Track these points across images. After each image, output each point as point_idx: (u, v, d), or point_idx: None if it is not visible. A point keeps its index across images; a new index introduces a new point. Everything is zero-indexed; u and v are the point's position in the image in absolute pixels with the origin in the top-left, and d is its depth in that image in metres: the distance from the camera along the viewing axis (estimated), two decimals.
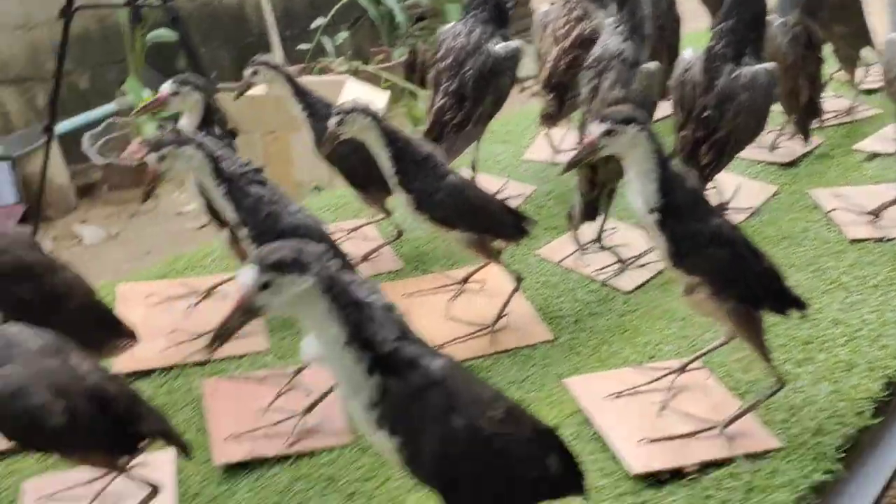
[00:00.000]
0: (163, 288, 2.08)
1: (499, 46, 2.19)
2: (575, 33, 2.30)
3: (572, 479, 1.13)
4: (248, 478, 1.60)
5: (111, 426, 1.36)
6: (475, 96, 2.20)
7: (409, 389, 0.97)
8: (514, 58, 2.22)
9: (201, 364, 1.88)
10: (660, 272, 2.09)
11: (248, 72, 1.90)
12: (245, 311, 0.94)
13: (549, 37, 2.37)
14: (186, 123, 1.80)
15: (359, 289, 0.97)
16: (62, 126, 5.50)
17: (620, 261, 2.10)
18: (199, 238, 4.94)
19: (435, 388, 0.99)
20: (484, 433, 1.01)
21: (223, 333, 0.96)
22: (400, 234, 2.18)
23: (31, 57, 5.46)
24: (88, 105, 5.64)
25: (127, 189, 5.47)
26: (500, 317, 1.91)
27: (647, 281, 2.08)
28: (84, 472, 1.59)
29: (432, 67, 2.24)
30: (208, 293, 2.07)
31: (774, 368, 1.43)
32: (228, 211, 1.52)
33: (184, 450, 1.47)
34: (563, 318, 1.98)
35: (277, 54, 5.57)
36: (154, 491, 1.43)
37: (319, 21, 5.81)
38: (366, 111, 1.66)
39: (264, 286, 0.93)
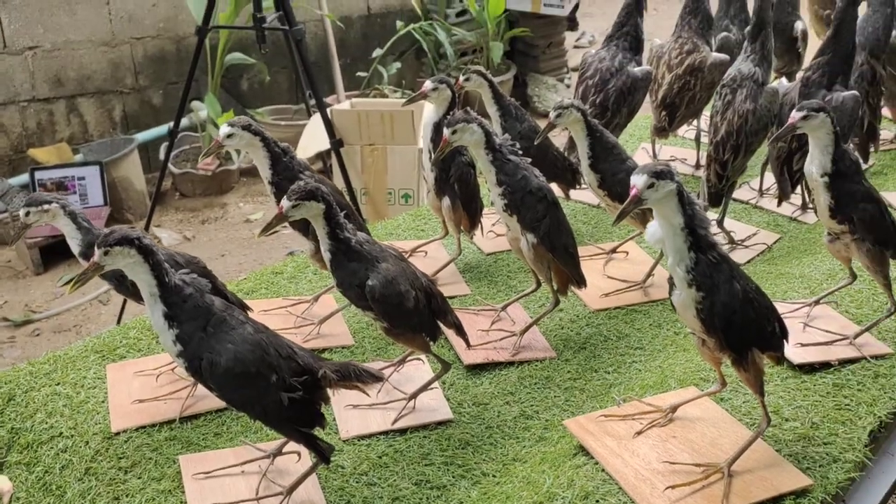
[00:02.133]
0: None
1: (637, 69, 2.80)
2: (686, 63, 2.91)
3: (782, 344, 1.69)
4: (488, 376, 2.12)
5: (431, 316, 1.88)
6: (615, 108, 2.79)
7: (711, 262, 1.52)
8: (647, 79, 2.82)
9: None
10: (762, 252, 2.67)
11: (462, 77, 2.46)
12: (637, 201, 1.48)
13: (663, 65, 2.98)
14: (432, 113, 2.34)
15: (692, 196, 1.52)
16: (140, 137, 5.98)
17: (732, 240, 2.68)
18: (267, 244, 5.43)
19: (725, 263, 1.54)
20: (749, 295, 1.57)
21: (624, 212, 1.50)
22: None
23: (112, 72, 5.91)
24: (160, 120, 6.11)
25: (196, 197, 5.93)
26: (648, 276, 2.48)
27: (754, 258, 2.66)
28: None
29: (581, 83, 2.83)
30: (412, 252, 2.59)
31: (893, 296, 2.01)
32: (491, 174, 2.07)
33: (466, 340, 2.00)
34: None
35: (338, 79, 6.14)
36: (447, 366, 1.95)
37: (378, 52, 6.40)
38: (579, 107, 2.23)
39: (650, 186, 1.48)
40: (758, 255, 2.66)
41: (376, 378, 1.66)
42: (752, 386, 1.62)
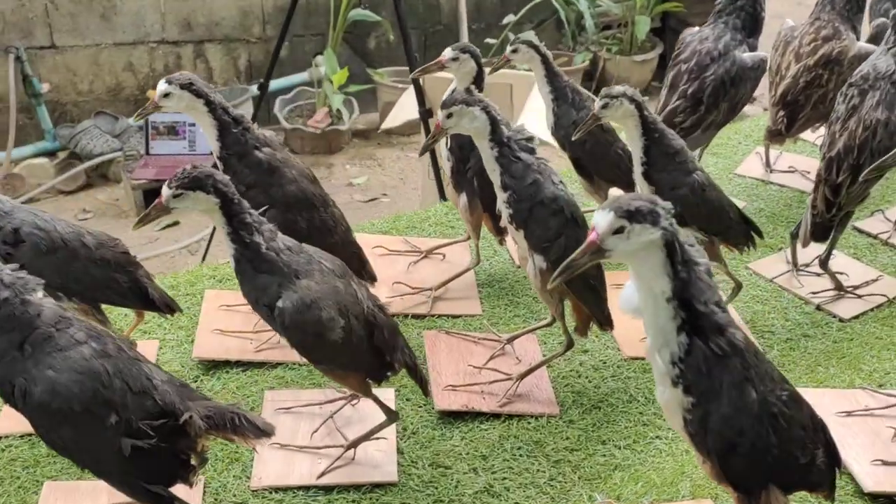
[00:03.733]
0: (387, 242, 2.21)
1: (746, 55, 2.19)
2: (821, 52, 2.26)
3: (829, 477, 1.14)
4: (462, 427, 1.68)
5: (373, 352, 1.47)
6: (711, 102, 2.20)
7: (713, 354, 1.01)
8: (759, 68, 2.21)
9: (421, 317, 1.98)
10: (880, 305, 2.03)
11: (509, 49, 1.99)
12: (595, 252, 1.00)
13: (790, 53, 2.33)
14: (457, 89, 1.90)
15: (692, 249, 1.02)
16: (257, 88, 5.88)
17: (840, 287, 2.05)
18: (368, 209, 5.16)
19: (736, 357, 1.02)
20: (772, 409, 1.04)
21: (569, 268, 1.03)
22: None
23: (241, 20, 5.82)
24: (284, 72, 5.98)
25: (304, 154, 5.77)
26: None
27: (867, 312, 2.02)
28: (316, 393, 1.73)
29: (673, 67, 2.26)
30: (428, 253, 2.17)
31: None
32: (495, 174, 1.61)
33: (424, 387, 1.57)
34: (773, 334, 1.97)
35: (465, 41, 5.73)
36: (394, 417, 1.54)
37: (510, 18, 5.91)
38: (633, 97, 1.70)
39: (618, 230, 0.99)
40: (871, 310, 2.01)
41: (262, 433, 1.28)
42: None
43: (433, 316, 1.98)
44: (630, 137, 1.77)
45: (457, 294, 2.05)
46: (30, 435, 1.56)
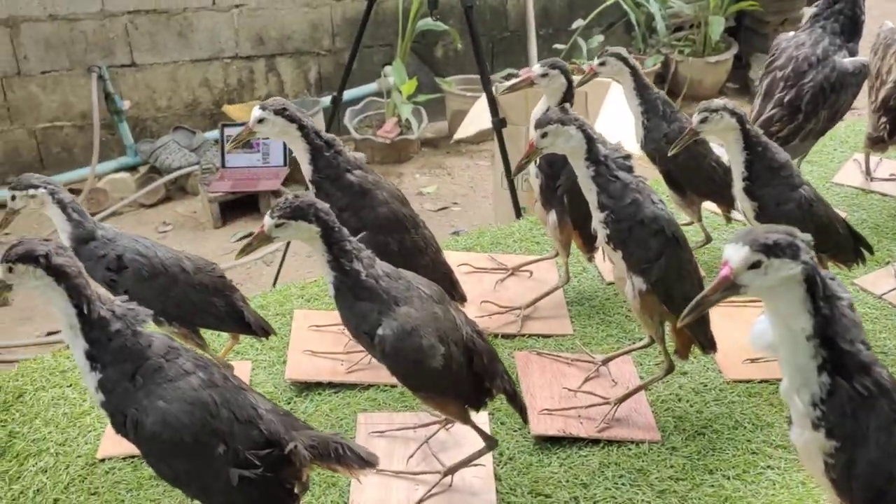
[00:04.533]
0: (472, 259, 2.18)
1: (847, 60, 2.08)
2: None
3: None
4: (560, 453, 1.64)
5: (473, 379, 1.44)
6: (810, 110, 2.10)
7: (858, 395, 0.95)
8: (860, 74, 2.10)
9: (511, 336, 1.94)
10: None
11: (597, 61, 1.94)
12: (728, 287, 0.95)
13: (891, 56, 2.22)
14: (544, 105, 1.86)
15: (833, 283, 0.96)
16: (327, 100, 5.93)
17: None
18: (439, 218, 5.15)
19: (883, 398, 0.96)
20: None
21: (699, 305, 0.98)
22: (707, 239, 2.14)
23: (311, 33, 5.88)
24: (353, 83, 6.02)
25: (374, 164, 5.80)
26: None
27: None
28: (410, 416, 1.71)
29: (767, 74, 2.17)
30: (515, 271, 2.14)
31: None
32: (592, 193, 1.56)
33: (523, 414, 1.53)
34: (886, 355, 1.86)
35: (532, 51, 5.67)
36: (493, 443, 1.50)
37: (578, 22, 5.83)
38: (734, 111, 1.63)
39: (754, 265, 0.94)
40: None
41: (366, 463, 1.27)
42: None
43: (523, 335, 1.94)
44: (731, 152, 1.70)
45: (546, 313, 2.00)
46: (132, 457, 1.59)
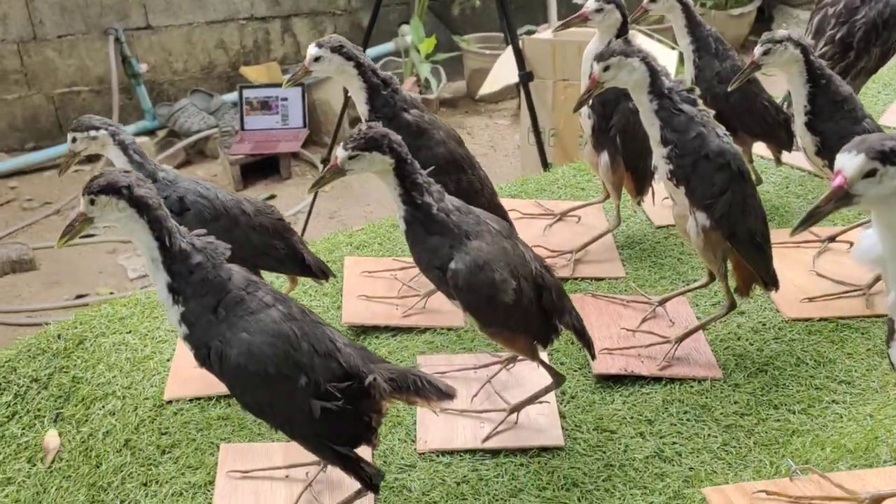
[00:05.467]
0: (519, 205, 2.16)
1: None
2: None
3: None
4: (623, 392, 1.64)
5: (542, 314, 1.43)
6: (862, 48, 2.07)
7: None
8: None
9: (563, 280, 1.92)
10: None
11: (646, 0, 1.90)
12: (842, 197, 0.94)
13: None
14: (597, 42, 1.83)
15: None
16: None
17: None
18: None
19: None
20: None
21: (813, 217, 0.96)
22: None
23: None
24: (370, 43, 5.96)
25: None
26: (877, 279, 1.81)
27: None
28: (468, 357, 1.70)
29: (818, 11, 2.13)
30: (563, 216, 2.12)
31: None
32: (654, 128, 1.54)
33: (591, 350, 1.53)
34: None
35: (552, 3, 5.59)
36: (561, 379, 1.50)
37: None
38: (798, 41, 1.60)
39: (869, 174, 0.92)
40: None
41: (444, 395, 1.27)
42: None
43: (576, 279, 1.94)
44: (793, 85, 1.67)
45: (598, 257, 1.99)
46: (198, 399, 1.59)
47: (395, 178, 1.30)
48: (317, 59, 1.62)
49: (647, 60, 1.50)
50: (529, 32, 5.45)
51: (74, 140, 1.51)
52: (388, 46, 5.92)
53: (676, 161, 1.54)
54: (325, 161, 4.46)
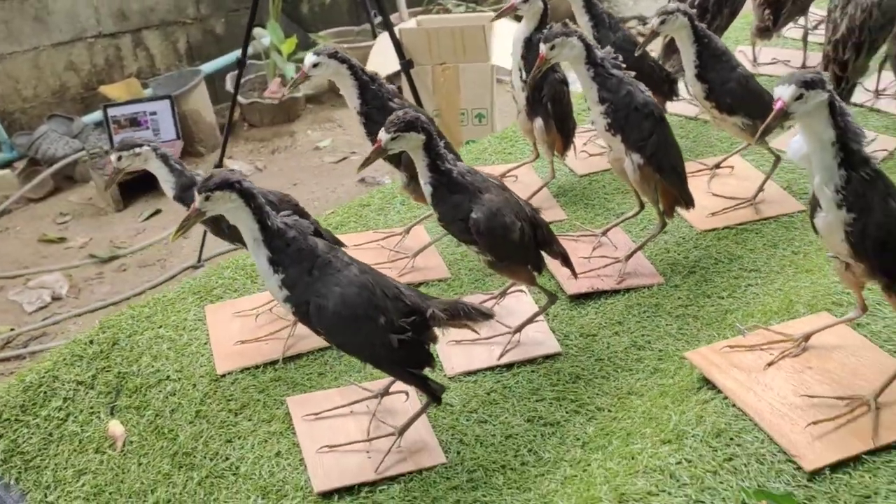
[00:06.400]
0: None
1: None
2: None
3: None
4: (593, 305, 2.02)
5: (536, 247, 1.78)
6: (715, 10, 2.56)
7: (864, 180, 1.37)
8: None
9: None
10: (882, 160, 2.46)
11: None
12: (782, 116, 1.33)
13: None
14: (524, 27, 2.18)
15: (843, 105, 1.36)
16: (205, 67, 5.91)
17: None
18: (341, 168, 5.35)
19: (879, 179, 1.39)
20: None
21: (766, 130, 1.35)
22: None
23: (175, 3, 5.81)
24: (223, 49, 6.02)
25: (265, 127, 5.88)
26: (759, 191, 2.31)
27: None
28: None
29: None
30: (503, 176, 2.47)
31: None
32: (592, 90, 1.92)
33: (573, 270, 1.90)
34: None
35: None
36: (554, 298, 1.86)
37: None
38: (685, 11, 2.03)
39: (798, 97, 1.32)
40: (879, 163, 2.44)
41: (486, 316, 1.58)
42: None
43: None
44: (683, 45, 2.10)
45: (541, 205, 2.35)
46: (247, 368, 1.81)
47: (424, 151, 1.60)
48: (315, 64, 1.87)
49: (582, 38, 1.87)
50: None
51: (120, 158, 1.68)
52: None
53: (612, 115, 1.93)
54: (217, 167, 4.54)
